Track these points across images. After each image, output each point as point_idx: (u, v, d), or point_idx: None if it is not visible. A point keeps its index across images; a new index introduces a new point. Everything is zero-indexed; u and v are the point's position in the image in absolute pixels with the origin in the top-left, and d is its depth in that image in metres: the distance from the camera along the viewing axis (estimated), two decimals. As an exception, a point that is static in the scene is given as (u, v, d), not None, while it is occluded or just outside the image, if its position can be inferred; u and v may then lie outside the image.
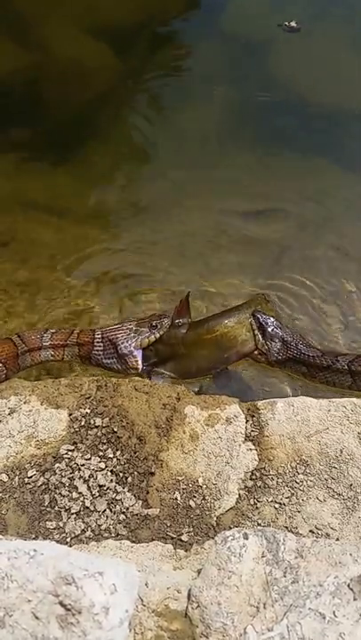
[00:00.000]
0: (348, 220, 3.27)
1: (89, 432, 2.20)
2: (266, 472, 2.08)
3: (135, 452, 2.15)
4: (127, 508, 2.03)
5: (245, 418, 2.19)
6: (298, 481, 2.04)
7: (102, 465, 2.12)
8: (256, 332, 2.55)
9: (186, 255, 3.14)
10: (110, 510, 2.03)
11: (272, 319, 2.57)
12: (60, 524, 1.98)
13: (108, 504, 2.04)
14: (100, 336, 2.61)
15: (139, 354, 2.58)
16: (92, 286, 3.03)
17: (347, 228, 3.22)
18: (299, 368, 2.56)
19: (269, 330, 2.54)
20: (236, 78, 4.04)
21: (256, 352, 2.57)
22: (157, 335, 2.59)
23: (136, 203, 3.37)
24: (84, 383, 2.32)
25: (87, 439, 2.18)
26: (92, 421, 2.22)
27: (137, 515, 2.01)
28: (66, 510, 2.02)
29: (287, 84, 3.97)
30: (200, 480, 2.08)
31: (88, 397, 2.28)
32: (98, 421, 2.22)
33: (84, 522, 1.99)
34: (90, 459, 2.13)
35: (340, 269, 3.00)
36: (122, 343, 2.56)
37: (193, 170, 3.59)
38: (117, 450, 2.15)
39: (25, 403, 2.27)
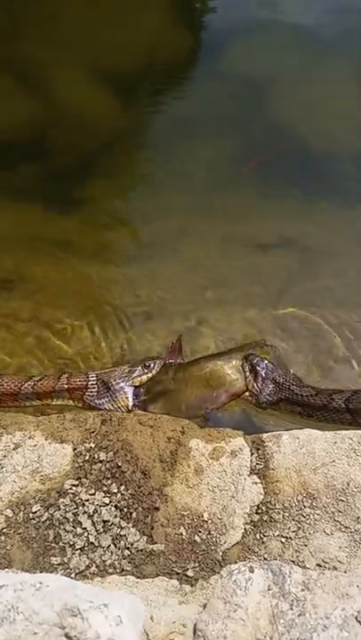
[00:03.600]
0: (349, 253, 3.37)
1: (93, 467, 2.23)
2: (272, 506, 2.10)
3: (140, 487, 2.17)
4: (132, 544, 2.05)
5: (250, 451, 2.23)
6: (304, 514, 2.05)
7: (107, 500, 2.15)
8: (247, 373, 2.63)
9: (190, 289, 3.23)
10: (115, 546, 2.04)
11: (265, 362, 2.63)
12: (65, 560, 1.99)
13: (112, 540, 2.06)
14: (94, 379, 2.71)
15: (130, 391, 2.68)
16: (97, 324, 3.10)
17: (348, 261, 3.31)
18: (293, 408, 2.59)
19: (261, 372, 2.60)
20: (237, 119, 4.19)
21: (247, 393, 2.64)
22: (150, 375, 2.72)
23: (140, 240, 3.48)
24: (88, 417, 2.36)
25: (91, 474, 2.21)
26: (96, 456, 2.25)
27: (142, 550, 2.03)
28: (70, 546, 2.04)
29: (287, 124, 4.12)
30: (205, 515, 2.10)
31: (92, 432, 2.32)
32: (102, 456, 2.25)
33: (88, 557, 2.01)
34: (94, 494, 2.16)
35: (343, 301, 3.08)
36: (114, 381, 2.68)
37: (196, 208, 3.72)
38: (122, 484, 2.18)
39: (29, 438, 2.31)
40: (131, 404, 2.67)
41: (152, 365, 2.72)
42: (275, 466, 2.18)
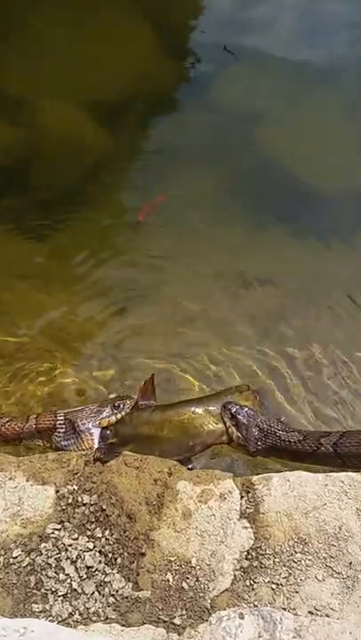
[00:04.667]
0: (338, 291, 3.52)
1: (76, 510, 2.28)
2: (262, 551, 2.16)
3: (125, 532, 2.23)
4: (117, 591, 2.09)
5: (240, 494, 2.30)
6: (296, 560, 2.12)
7: (90, 545, 2.20)
8: (228, 423, 2.66)
9: (176, 327, 3.33)
10: (99, 593, 2.09)
11: (245, 409, 2.66)
12: (47, 607, 2.03)
13: (96, 586, 2.10)
14: (62, 418, 2.72)
15: (96, 432, 2.69)
16: (72, 359, 3.19)
17: (337, 299, 3.46)
18: (282, 455, 2.63)
19: (243, 420, 2.63)
20: (222, 150, 4.37)
21: (233, 444, 2.68)
22: (119, 416, 2.72)
23: (125, 274, 3.58)
24: (71, 458, 2.42)
25: (74, 517, 2.26)
26: (79, 499, 2.31)
27: (127, 597, 2.08)
28: (52, 592, 2.08)
29: (273, 156, 4.31)
30: (193, 560, 2.15)
31: (76, 473, 2.38)
32: (86, 499, 2.31)
33: (71, 605, 2.05)
34: (77, 538, 2.21)
35: (332, 338, 3.21)
36: (80, 421, 2.69)
37: (182, 241, 3.85)
38: (106, 529, 2.24)
39: (10, 479, 2.36)
40: (96, 446, 2.65)
41: (122, 406, 2.73)
42: (265, 510, 2.26)
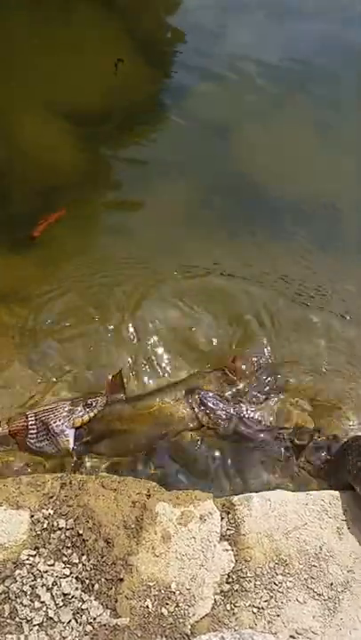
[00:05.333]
0: (317, 297, 3.59)
1: (52, 535, 2.24)
2: (243, 574, 2.14)
3: (102, 557, 2.19)
4: (94, 618, 2.05)
5: (220, 515, 2.28)
6: (277, 582, 2.11)
7: (67, 571, 2.16)
8: (197, 409, 2.76)
9: (153, 331, 3.35)
10: (76, 621, 2.05)
11: (210, 393, 2.80)
12: (22, 637, 1.98)
13: (73, 614, 2.06)
14: (33, 419, 2.71)
15: (70, 433, 2.70)
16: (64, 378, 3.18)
17: (314, 306, 3.51)
18: (249, 439, 2.77)
19: (210, 404, 2.76)
20: (198, 163, 4.39)
21: (203, 428, 2.77)
22: (91, 414, 2.74)
23: (102, 285, 3.56)
24: (46, 481, 2.38)
25: (50, 543, 2.22)
26: (55, 523, 2.26)
27: (105, 625, 2.04)
28: (27, 621, 2.03)
29: (248, 167, 4.35)
30: (173, 585, 2.12)
31: (51, 497, 2.34)
32: (62, 523, 2.26)
33: (47, 634, 2.00)
34: (53, 564, 2.17)
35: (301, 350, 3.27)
36: (54, 422, 2.69)
37: (160, 253, 3.84)
38: (83, 554, 2.20)
39: (-17, 503, 2.32)
40: (72, 447, 2.67)
41: (94, 404, 2.74)
42: (246, 531, 2.24)
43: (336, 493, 2.30)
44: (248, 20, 5.78)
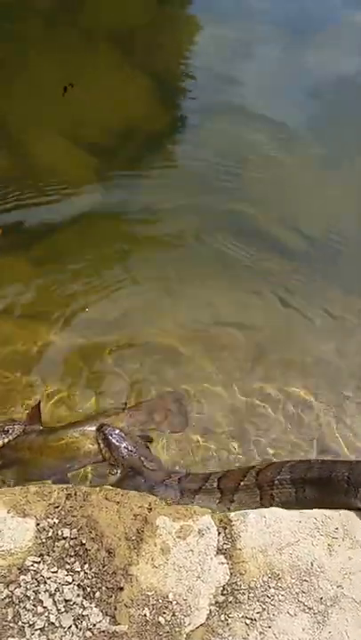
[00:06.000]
0: (320, 327, 3.70)
1: (56, 543, 2.34)
2: (237, 587, 2.24)
3: (104, 566, 2.29)
4: (94, 625, 2.14)
5: (218, 530, 2.38)
6: (269, 595, 2.20)
7: (69, 579, 2.25)
8: (102, 444, 2.94)
9: (161, 360, 3.47)
10: (76, 626, 2.13)
11: (117, 431, 2.96)
12: (24, 640, 2.07)
13: (74, 620, 2.15)
14: None
15: None
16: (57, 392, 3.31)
17: (320, 337, 3.62)
18: (138, 479, 2.89)
19: (113, 442, 2.92)
20: (206, 197, 4.56)
21: (105, 462, 2.95)
22: (6, 440, 2.95)
23: (113, 307, 3.70)
24: (53, 491, 2.48)
25: (54, 551, 2.31)
26: (59, 532, 2.36)
27: (104, 632, 2.12)
28: (30, 626, 2.12)
29: (254, 204, 4.51)
30: (170, 595, 2.21)
31: (57, 507, 2.44)
32: (66, 532, 2.36)
33: (48, 638, 2.09)
34: (56, 572, 2.26)
35: (313, 376, 3.38)
36: None
37: (166, 279, 3.99)
38: (85, 563, 2.29)
39: (-9, 511, 2.42)
40: None
41: (10, 430, 2.96)
42: (241, 546, 2.34)
43: (328, 512, 2.41)
44: (260, 62, 6.03)
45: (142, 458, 2.88)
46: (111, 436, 2.92)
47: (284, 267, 4.15)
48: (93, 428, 2.97)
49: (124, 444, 2.91)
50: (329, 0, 7.18)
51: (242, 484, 2.73)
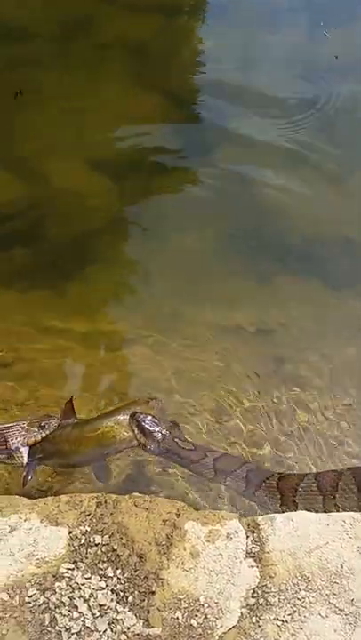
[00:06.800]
0: (340, 337, 3.70)
1: (89, 550, 2.39)
2: (268, 589, 2.26)
3: (136, 571, 2.33)
4: (128, 628, 2.18)
5: (246, 534, 2.41)
6: (300, 597, 2.22)
7: (103, 584, 2.30)
8: (136, 430, 3.02)
9: (184, 374, 3.52)
10: (111, 630, 2.18)
11: (149, 417, 3.04)
12: (61, 644, 2.12)
13: (108, 624, 2.19)
14: None
15: (25, 450, 3.03)
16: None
17: (338, 345, 3.64)
18: (176, 459, 3.05)
19: (147, 427, 3.00)
20: (225, 209, 4.63)
21: (141, 447, 3.05)
22: (43, 434, 3.05)
23: (136, 324, 3.77)
24: (83, 500, 2.54)
25: (87, 557, 2.37)
26: (91, 539, 2.42)
27: (138, 634, 2.16)
28: (66, 630, 2.17)
29: (272, 213, 4.57)
30: (202, 598, 2.25)
31: (88, 514, 2.50)
32: (98, 539, 2.42)
33: (84, 642, 2.14)
34: (90, 577, 2.31)
35: (333, 385, 3.39)
36: (11, 440, 3.02)
37: (189, 293, 4.06)
38: (117, 568, 2.34)
39: (25, 520, 2.48)
40: (25, 462, 3.02)
41: (47, 426, 3.05)
42: (270, 549, 2.36)
43: (356, 515, 2.42)
44: (274, 72, 6.06)
45: (176, 440, 2.97)
46: (144, 422, 3.00)
47: (306, 268, 4.19)
48: (126, 417, 3.06)
49: (157, 429, 2.99)
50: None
51: (264, 485, 2.85)
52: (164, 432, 3.01)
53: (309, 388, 3.47)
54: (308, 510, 2.57)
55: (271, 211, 4.64)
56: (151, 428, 3.00)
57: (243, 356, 3.69)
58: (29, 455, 3.04)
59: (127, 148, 5.04)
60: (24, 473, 3.01)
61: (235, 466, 2.96)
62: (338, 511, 2.65)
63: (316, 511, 2.59)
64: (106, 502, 2.54)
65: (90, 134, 5.11)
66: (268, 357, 3.67)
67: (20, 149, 4.91)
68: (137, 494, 2.61)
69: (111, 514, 2.49)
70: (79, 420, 3.16)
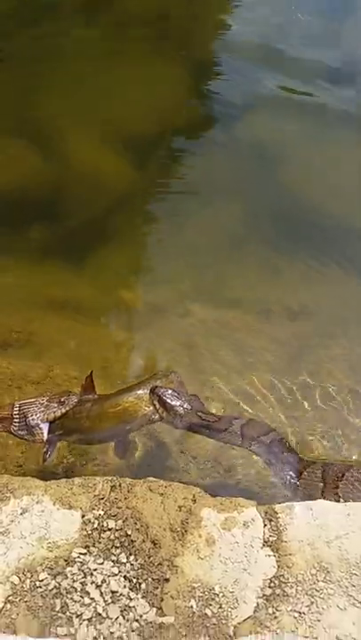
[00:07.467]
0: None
1: (102, 535, 2.33)
2: (285, 579, 2.19)
3: (149, 557, 2.27)
4: (141, 616, 2.13)
5: (263, 522, 2.33)
6: (318, 589, 2.14)
7: (115, 570, 2.24)
8: (157, 405, 2.96)
9: (198, 353, 3.44)
10: (123, 617, 2.13)
11: (170, 391, 2.98)
12: (72, 631, 2.07)
13: (121, 611, 2.14)
14: (17, 410, 3.00)
15: (45, 427, 3.00)
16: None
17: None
18: (202, 431, 2.98)
19: (168, 401, 2.94)
20: (248, 187, 4.51)
21: (163, 421, 2.99)
22: (63, 411, 3.01)
23: (151, 303, 3.70)
24: (97, 483, 2.48)
25: (100, 542, 2.31)
26: (105, 524, 2.36)
27: (151, 622, 2.11)
28: (77, 616, 2.12)
29: (295, 192, 4.44)
30: (217, 587, 2.18)
31: (102, 498, 2.44)
32: (111, 524, 2.36)
33: (96, 629, 2.09)
34: (102, 563, 2.26)
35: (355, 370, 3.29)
36: (31, 416, 2.99)
37: (205, 273, 3.97)
38: (131, 554, 2.28)
39: (37, 503, 2.42)
40: (46, 438, 2.99)
41: (67, 401, 3.01)
42: (288, 538, 2.29)
43: (378, 505, 2.34)
44: (300, 46, 5.87)
45: (199, 413, 2.92)
46: (165, 396, 2.95)
47: (330, 248, 4.07)
48: (147, 391, 3.01)
49: (178, 402, 2.94)
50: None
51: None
52: (185, 406, 2.95)
53: (334, 371, 3.38)
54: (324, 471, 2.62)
55: (294, 187, 4.50)
56: (173, 402, 2.94)
57: (267, 336, 3.61)
58: (49, 431, 3.01)
59: (149, 123, 4.94)
60: (44, 449, 2.99)
61: (262, 430, 2.90)
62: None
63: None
64: (120, 486, 2.47)
65: (112, 109, 5.01)
66: (293, 339, 3.58)
67: (39, 119, 4.82)
68: (152, 479, 2.54)
69: (125, 498, 2.43)
70: (99, 395, 3.12)
